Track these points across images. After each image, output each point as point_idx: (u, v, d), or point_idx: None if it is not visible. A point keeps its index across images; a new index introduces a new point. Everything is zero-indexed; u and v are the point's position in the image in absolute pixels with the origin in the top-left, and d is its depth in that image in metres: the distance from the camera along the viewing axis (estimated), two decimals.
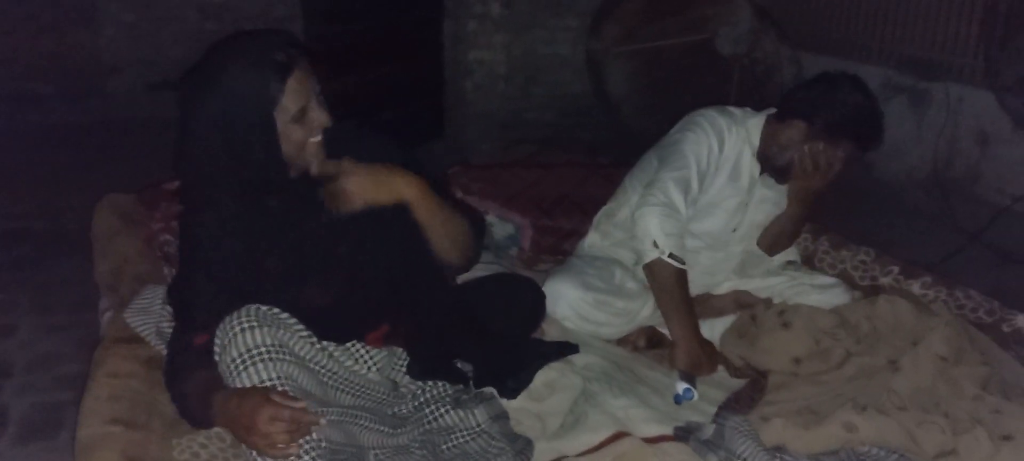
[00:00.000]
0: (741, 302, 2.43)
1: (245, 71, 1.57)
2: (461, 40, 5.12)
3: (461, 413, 1.77)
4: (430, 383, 1.82)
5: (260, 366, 1.50)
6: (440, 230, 1.76)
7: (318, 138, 1.64)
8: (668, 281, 2.17)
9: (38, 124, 5.75)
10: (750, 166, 2.35)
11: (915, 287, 2.49)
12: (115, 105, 6.12)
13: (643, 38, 4.76)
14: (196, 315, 1.63)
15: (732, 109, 2.39)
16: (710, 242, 2.40)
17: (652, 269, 2.18)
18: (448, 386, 1.82)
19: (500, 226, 2.82)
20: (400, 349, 1.84)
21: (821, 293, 2.39)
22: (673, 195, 2.20)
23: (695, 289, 2.38)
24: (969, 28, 4.31)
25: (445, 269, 1.86)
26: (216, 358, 1.55)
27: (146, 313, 1.97)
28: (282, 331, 1.56)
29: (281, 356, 1.53)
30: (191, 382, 1.58)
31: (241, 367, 1.50)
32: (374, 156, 1.72)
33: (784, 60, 5.08)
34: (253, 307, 1.55)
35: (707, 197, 2.33)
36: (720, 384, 2.15)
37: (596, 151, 4.42)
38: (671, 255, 2.15)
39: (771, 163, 2.31)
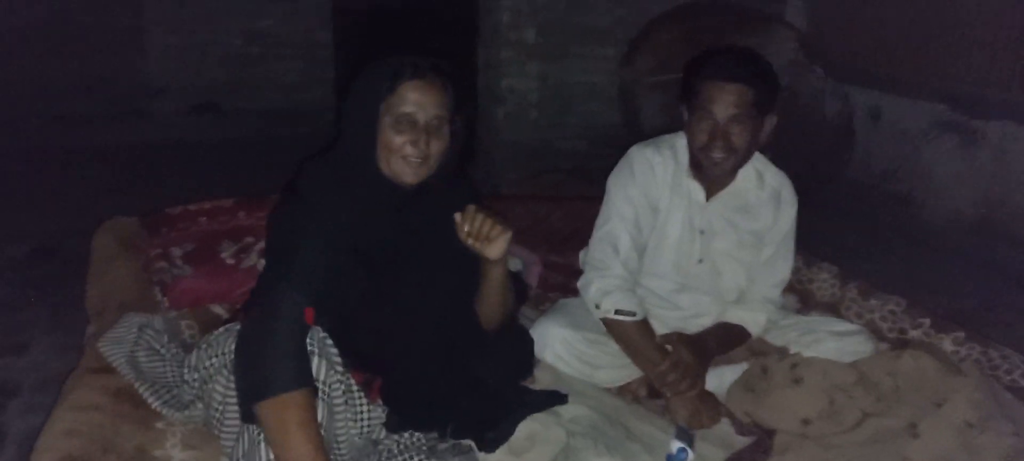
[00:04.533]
0: (754, 350, 2.28)
1: (383, 60, 1.74)
2: (494, 67, 5.06)
3: None
4: (407, 433, 1.78)
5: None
6: (499, 294, 1.88)
7: (413, 159, 1.71)
8: (626, 336, 2.16)
9: (83, 144, 5.84)
10: (690, 188, 2.23)
11: (946, 342, 2.32)
12: (159, 127, 6.20)
13: (678, 69, 4.63)
14: (305, 282, 1.62)
15: (665, 137, 2.30)
16: (682, 279, 2.28)
17: (609, 328, 2.18)
18: (422, 436, 1.76)
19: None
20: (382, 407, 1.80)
21: (839, 341, 2.22)
22: (601, 254, 2.21)
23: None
24: None
25: (475, 329, 1.93)
26: None
27: (120, 342, 1.92)
28: (330, 369, 1.60)
29: (323, 398, 1.58)
30: (289, 401, 1.50)
31: None
32: (468, 200, 1.82)
33: (828, 94, 4.91)
34: (318, 332, 1.61)
35: (653, 235, 2.25)
36: (722, 441, 2.01)
37: None
38: (618, 311, 2.13)
39: (694, 160, 2.19)
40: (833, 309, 2.62)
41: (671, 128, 2.39)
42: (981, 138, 4.37)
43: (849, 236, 4.34)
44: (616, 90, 5.11)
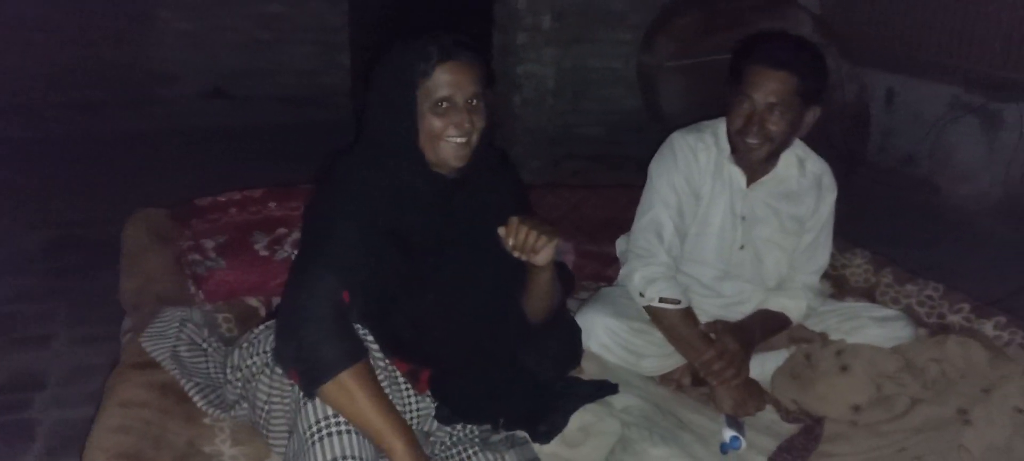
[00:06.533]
0: (794, 337, 2.26)
1: (407, 45, 1.67)
2: (510, 53, 5.02)
3: (490, 456, 1.69)
4: (459, 425, 1.76)
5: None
6: (546, 295, 1.83)
7: (458, 140, 1.67)
8: (670, 325, 2.14)
9: (96, 131, 5.81)
10: (732, 173, 2.21)
11: (987, 327, 2.29)
12: (172, 113, 6.16)
13: (698, 54, 4.60)
14: (340, 263, 1.59)
15: (704, 122, 2.27)
16: (723, 267, 2.26)
17: (653, 317, 2.16)
18: (475, 428, 1.74)
19: None
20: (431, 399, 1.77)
21: (881, 327, 2.21)
22: (645, 242, 2.18)
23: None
24: None
25: (522, 320, 1.89)
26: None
27: (162, 337, 1.90)
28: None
29: None
30: (349, 380, 1.49)
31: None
32: (513, 188, 1.85)
33: (845, 77, 4.88)
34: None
35: (696, 223, 2.23)
36: (770, 429, 2.00)
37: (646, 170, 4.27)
38: (662, 299, 2.11)
39: (732, 144, 2.17)
40: (868, 295, 2.60)
41: (692, 113, 2.37)
42: (1001, 120, 4.35)
43: (871, 221, 4.31)
44: (634, 75, 5.08)
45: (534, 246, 1.67)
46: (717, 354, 2.07)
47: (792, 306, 2.26)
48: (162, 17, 6.14)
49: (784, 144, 2.14)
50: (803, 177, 2.24)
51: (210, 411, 1.78)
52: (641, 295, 2.14)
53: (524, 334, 1.87)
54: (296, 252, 1.90)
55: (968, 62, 4.54)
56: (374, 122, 1.71)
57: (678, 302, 2.12)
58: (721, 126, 2.20)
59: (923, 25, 4.82)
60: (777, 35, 2.24)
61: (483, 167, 1.76)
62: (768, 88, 2.03)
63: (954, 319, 2.38)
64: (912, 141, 4.89)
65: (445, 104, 1.65)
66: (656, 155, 2.25)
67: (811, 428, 1.98)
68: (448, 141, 1.67)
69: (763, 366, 2.20)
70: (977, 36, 4.48)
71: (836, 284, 2.68)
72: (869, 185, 4.88)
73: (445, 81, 1.64)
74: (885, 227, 4.26)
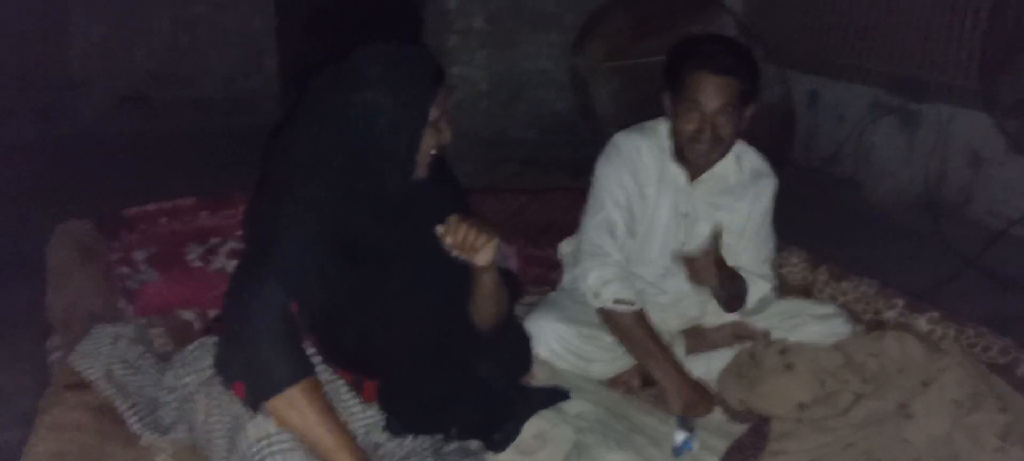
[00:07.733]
0: (738, 335, 2.29)
1: (410, 72, 1.61)
2: (442, 56, 4.97)
3: None
4: (410, 437, 1.72)
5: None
6: (492, 299, 1.79)
7: (435, 151, 1.67)
8: (624, 326, 2.13)
9: (3, 141, 5.52)
10: (674, 172, 2.23)
11: (921, 323, 2.36)
12: (84, 120, 5.90)
13: (629, 56, 4.64)
14: (287, 274, 1.54)
15: (647, 123, 2.29)
16: (666, 265, 2.27)
17: (606, 319, 2.15)
18: (427, 438, 1.71)
19: None
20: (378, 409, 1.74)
21: (821, 323, 2.26)
22: (599, 241, 2.17)
23: (677, 322, 2.31)
24: (959, 48, 4.24)
25: (471, 328, 1.85)
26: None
27: (95, 355, 1.80)
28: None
29: None
30: (298, 396, 1.46)
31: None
32: (453, 193, 1.82)
33: (771, 79, 4.98)
34: None
35: (643, 222, 2.24)
36: (720, 429, 2.01)
37: (580, 171, 4.26)
38: (617, 301, 2.10)
39: (679, 147, 2.18)
40: (805, 292, 2.65)
41: (624, 114, 2.37)
42: (919, 120, 4.51)
43: (798, 219, 4.40)
44: (565, 77, 5.10)
45: (474, 244, 1.64)
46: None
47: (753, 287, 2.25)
48: (75, 20, 5.87)
49: (731, 144, 2.17)
50: (741, 172, 2.27)
51: (146, 434, 1.69)
52: (596, 296, 2.13)
53: (474, 341, 1.83)
54: (234, 262, 1.83)
55: (888, 65, 4.69)
56: (335, 130, 1.62)
57: (632, 303, 2.11)
58: (661, 126, 2.22)
59: (844, 29, 4.96)
60: (710, 39, 2.27)
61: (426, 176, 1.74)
62: (716, 95, 2.04)
63: (889, 315, 2.45)
64: (835, 141, 5.03)
65: (439, 122, 1.65)
66: (602, 155, 2.24)
67: (759, 427, 2.00)
68: (431, 154, 1.67)
69: (709, 365, 2.22)
70: (896, 39, 4.63)
71: None
72: (794, 184, 4.99)
73: (441, 101, 1.65)
74: (811, 224, 4.35)
